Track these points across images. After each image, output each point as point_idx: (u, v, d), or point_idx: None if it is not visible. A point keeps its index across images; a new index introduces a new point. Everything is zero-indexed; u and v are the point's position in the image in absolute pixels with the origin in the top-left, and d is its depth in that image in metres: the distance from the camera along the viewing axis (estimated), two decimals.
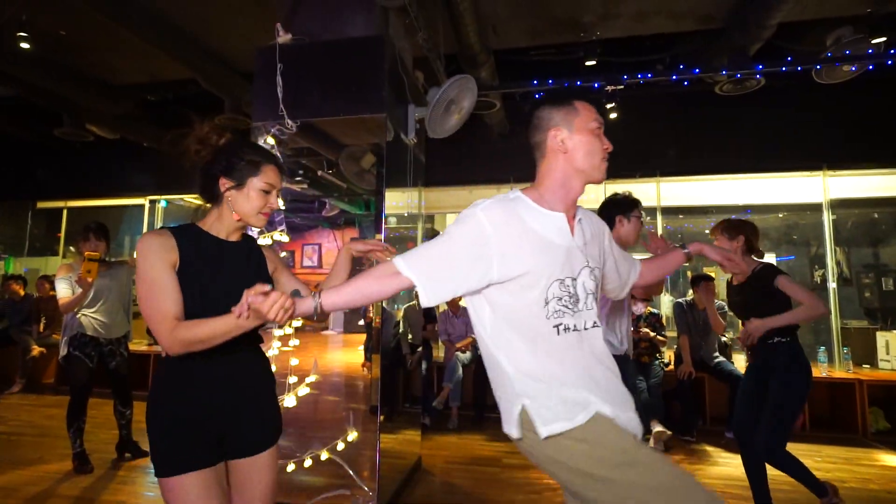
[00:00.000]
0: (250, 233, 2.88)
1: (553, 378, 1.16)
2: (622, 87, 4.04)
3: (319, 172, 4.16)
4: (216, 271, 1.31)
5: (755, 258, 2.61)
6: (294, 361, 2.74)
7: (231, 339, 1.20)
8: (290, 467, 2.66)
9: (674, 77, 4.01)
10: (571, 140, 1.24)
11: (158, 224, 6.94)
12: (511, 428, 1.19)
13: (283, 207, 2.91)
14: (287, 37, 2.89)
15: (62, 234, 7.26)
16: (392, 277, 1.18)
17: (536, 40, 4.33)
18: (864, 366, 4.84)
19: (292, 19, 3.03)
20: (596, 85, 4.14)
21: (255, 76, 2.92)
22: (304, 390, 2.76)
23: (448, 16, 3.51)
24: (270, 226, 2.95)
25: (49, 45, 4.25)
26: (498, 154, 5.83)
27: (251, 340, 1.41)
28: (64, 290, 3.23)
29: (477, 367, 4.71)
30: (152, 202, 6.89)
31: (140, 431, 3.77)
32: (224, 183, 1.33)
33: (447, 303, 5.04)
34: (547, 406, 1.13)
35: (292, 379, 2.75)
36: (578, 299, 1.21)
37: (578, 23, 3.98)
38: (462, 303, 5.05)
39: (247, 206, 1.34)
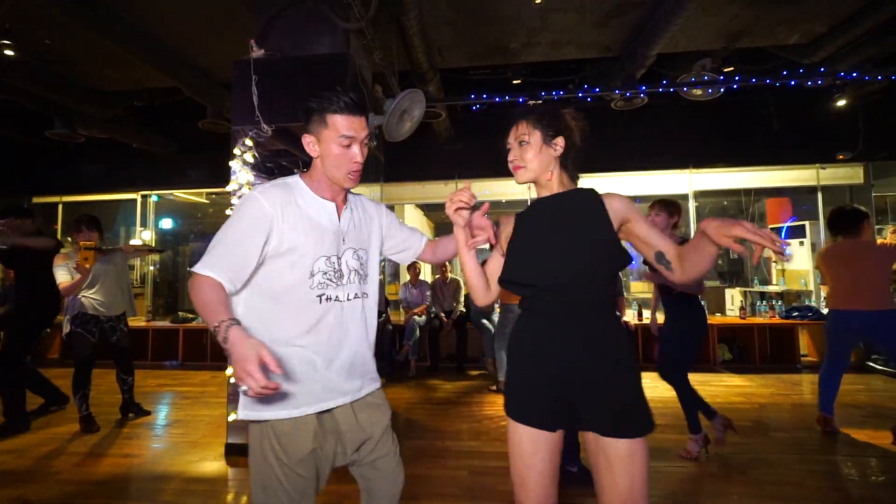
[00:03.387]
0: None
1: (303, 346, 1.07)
2: (541, 101, 4.11)
3: (294, 171, 4.00)
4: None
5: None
6: None
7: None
8: None
9: (580, 94, 4.13)
10: (319, 147, 1.10)
11: (151, 217, 6.41)
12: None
13: None
14: (260, 52, 2.72)
15: (58, 227, 6.56)
16: (212, 287, 0.96)
17: (474, 62, 4.31)
18: (716, 314, 5.31)
19: (265, 37, 2.85)
20: (521, 99, 4.19)
21: (234, 86, 2.73)
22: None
23: (401, 40, 3.42)
24: None
25: (38, 54, 3.76)
26: (444, 154, 5.81)
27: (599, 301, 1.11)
28: (63, 276, 2.97)
29: (429, 328, 4.76)
30: (144, 197, 6.34)
31: (139, 395, 3.56)
32: None
33: (409, 275, 5.02)
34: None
35: None
36: (342, 275, 1.13)
37: (507, 49, 3.99)
38: (423, 276, 5.06)
39: None
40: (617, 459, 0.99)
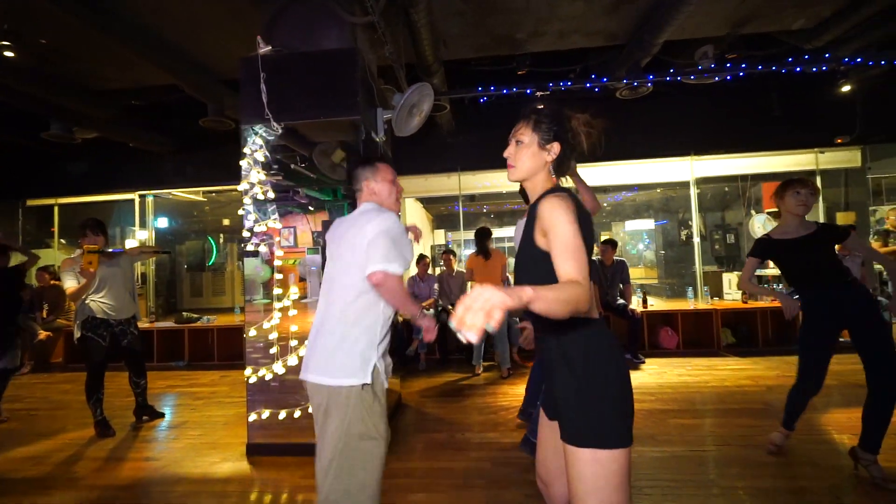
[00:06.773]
0: (248, 222, 2.70)
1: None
2: (548, 92, 4.08)
3: (292, 166, 3.93)
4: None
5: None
6: (294, 328, 2.65)
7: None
8: (297, 413, 2.61)
9: (587, 84, 4.09)
10: (377, 186, 1.58)
11: (150, 217, 6.31)
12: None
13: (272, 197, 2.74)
14: (267, 48, 2.66)
15: (55, 229, 6.45)
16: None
17: (479, 53, 4.24)
18: (715, 298, 5.37)
19: (271, 33, 2.79)
20: (528, 91, 4.15)
21: (242, 83, 2.67)
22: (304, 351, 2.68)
23: (408, 32, 3.35)
24: (264, 215, 2.77)
25: (35, 54, 3.64)
26: (448, 148, 5.76)
27: None
28: (70, 281, 2.94)
29: (437, 321, 4.76)
30: (142, 196, 6.23)
31: (150, 397, 3.52)
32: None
33: (417, 269, 4.99)
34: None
35: (293, 342, 2.66)
36: None
37: (514, 40, 3.94)
38: (431, 270, 5.05)
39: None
40: None
